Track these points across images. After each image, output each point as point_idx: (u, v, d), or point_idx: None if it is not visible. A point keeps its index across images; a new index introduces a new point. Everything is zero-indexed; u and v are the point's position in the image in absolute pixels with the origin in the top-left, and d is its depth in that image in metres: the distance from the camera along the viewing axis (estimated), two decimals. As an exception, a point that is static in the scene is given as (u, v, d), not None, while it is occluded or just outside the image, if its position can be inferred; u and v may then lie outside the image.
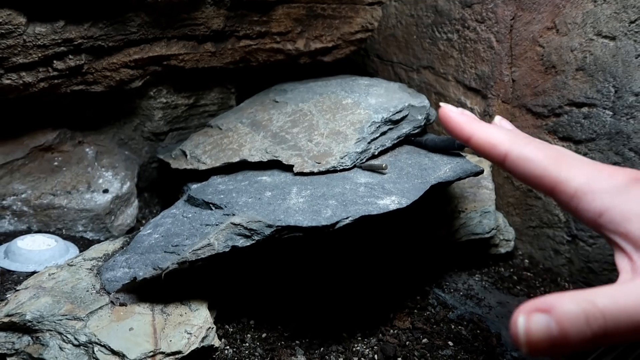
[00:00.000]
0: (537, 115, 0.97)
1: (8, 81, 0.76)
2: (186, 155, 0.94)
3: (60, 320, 0.61)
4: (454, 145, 0.83)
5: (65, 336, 0.60)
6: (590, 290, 0.33)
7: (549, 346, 0.31)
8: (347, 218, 0.66)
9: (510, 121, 0.52)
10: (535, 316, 0.31)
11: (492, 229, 0.94)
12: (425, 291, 0.88)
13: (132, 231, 0.95)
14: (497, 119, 0.51)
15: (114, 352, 0.58)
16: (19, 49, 0.73)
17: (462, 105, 1.10)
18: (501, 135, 0.44)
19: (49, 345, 0.60)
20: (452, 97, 1.12)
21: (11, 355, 0.60)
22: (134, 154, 1.05)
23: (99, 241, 0.88)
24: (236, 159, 0.87)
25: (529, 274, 0.98)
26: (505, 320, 0.85)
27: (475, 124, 0.46)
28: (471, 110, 1.08)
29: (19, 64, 0.75)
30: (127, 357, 0.58)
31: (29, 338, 0.61)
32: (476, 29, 1.04)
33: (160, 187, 1.12)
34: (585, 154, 0.90)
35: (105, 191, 0.93)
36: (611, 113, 0.86)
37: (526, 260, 1.02)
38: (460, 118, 0.47)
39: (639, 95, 0.82)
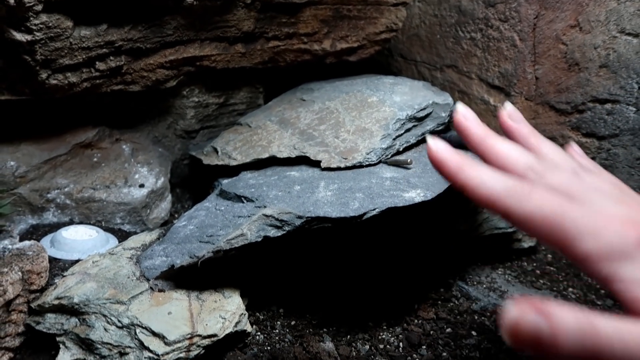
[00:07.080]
0: (561, 112, 0.98)
1: (55, 81, 0.81)
2: (217, 152, 0.98)
3: (105, 303, 0.66)
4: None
5: (110, 318, 0.64)
6: (595, 313, 0.31)
7: (533, 345, 0.29)
8: (374, 210, 0.69)
9: (533, 118, 0.50)
10: (530, 314, 0.29)
11: (515, 223, 0.95)
12: (448, 283, 0.90)
13: (165, 224, 1.00)
14: (507, 114, 0.44)
15: (154, 334, 0.62)
16: (66, 51, 0.78)
17: (485, 102, 1.12)
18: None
19: (95, 326, 0.64)
20: (476, 94, 1.14)
21: (60, 335, 0.65)
22: (167, 151, 1.10)
23: (135, 233, 0.93)
24: (265, 155, 0.90)
25: (552, 268, 0.99)
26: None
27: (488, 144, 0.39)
28: (494, 107, 1.09)
29: (65, 65, 0.80)
30: (167, 339, 0.62)
31: (77, 320, 0.66)
32: (499, 27, 1.05)
33: (191, 183, 1.17)
34: (608, 150, 0.91)
35: (142, 186, 0.98)
36: (634, 109, 0.87)
37: (549, 255, 1.03)
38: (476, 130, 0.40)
39: (663, 92, 0.83)
